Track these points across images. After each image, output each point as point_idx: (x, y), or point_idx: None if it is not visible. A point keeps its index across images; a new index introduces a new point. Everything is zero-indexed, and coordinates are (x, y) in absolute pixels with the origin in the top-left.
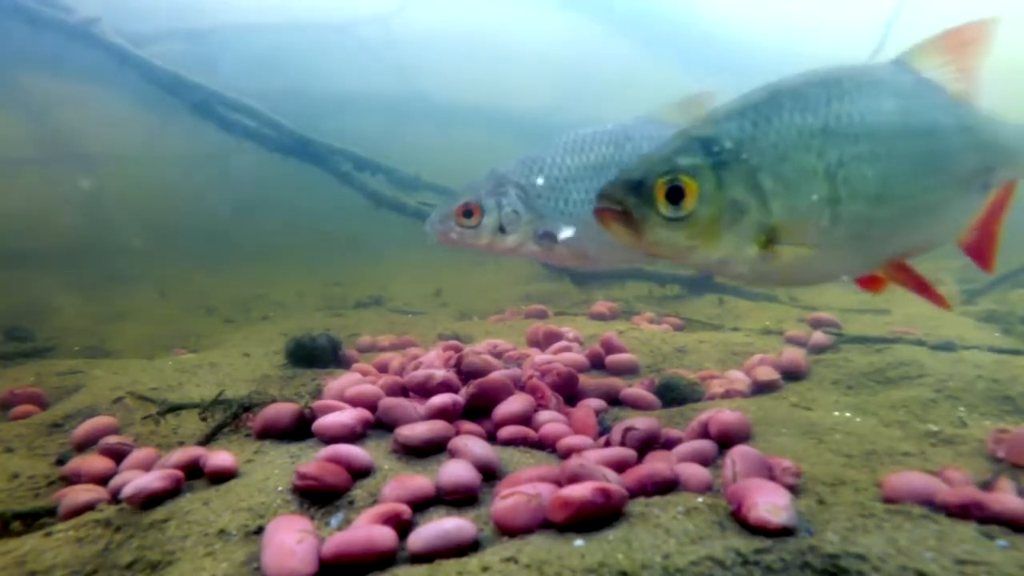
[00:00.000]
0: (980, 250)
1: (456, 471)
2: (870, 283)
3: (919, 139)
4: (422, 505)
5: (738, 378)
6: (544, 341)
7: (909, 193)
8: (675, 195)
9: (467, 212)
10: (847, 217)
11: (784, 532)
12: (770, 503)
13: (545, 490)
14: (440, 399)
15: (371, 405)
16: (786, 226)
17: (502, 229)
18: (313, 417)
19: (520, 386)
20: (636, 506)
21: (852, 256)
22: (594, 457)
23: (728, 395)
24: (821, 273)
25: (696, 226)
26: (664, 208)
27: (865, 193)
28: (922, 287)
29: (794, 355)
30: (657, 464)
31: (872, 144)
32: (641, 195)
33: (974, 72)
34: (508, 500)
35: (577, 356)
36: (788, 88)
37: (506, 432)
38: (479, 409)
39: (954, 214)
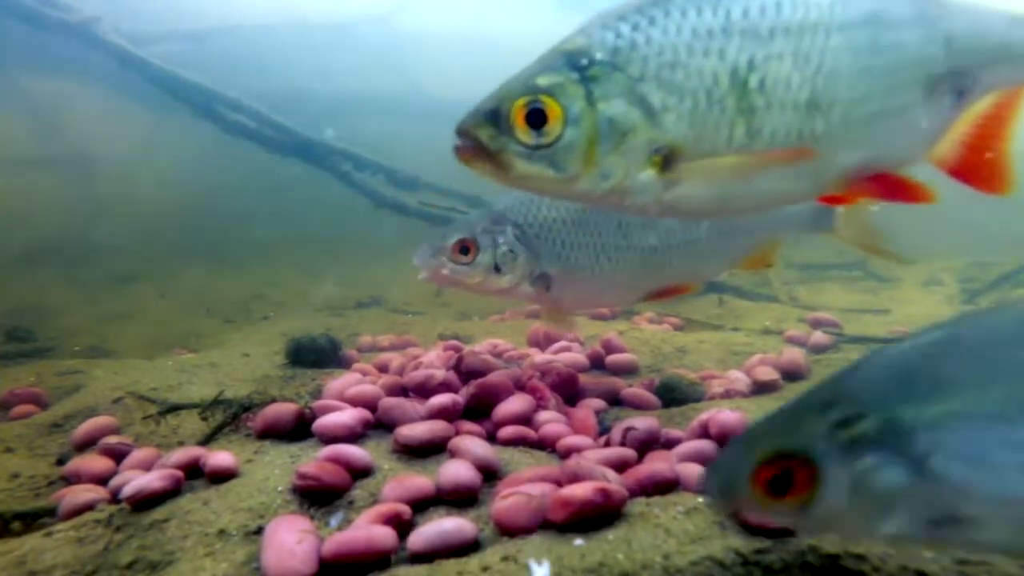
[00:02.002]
0: (976, 168)
1: (456, 471)
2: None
3: (862, 32)
4: (422, 505)
5: (738, 378)
6: (544, 341)
7: (852, 99)
8: (536, 119)
9: (463, 248)
10: (769, 131)
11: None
12: None
13: (545, 490)
14: (440, 399)
15: (371, 405)
16: (687, 144)
17: (497, 268)
18: (313, 417)
19: (520, 386)
20: (636, 506)
21: (787, 177)
22: (594, 457)
23: (728, 395)
24: (751, 199)
25: (566, 152)
26: (525, 136)
27: (791, 101)
28: (896, 187)
29: (794, 355)
30: (657, 464)
31: (795, 41)
32: (497, 125)
33: None
34: (508, 500)
35: (577, 356)
36: None
37: (506, 432)
38: (479, 409)
39: (917, 124)
